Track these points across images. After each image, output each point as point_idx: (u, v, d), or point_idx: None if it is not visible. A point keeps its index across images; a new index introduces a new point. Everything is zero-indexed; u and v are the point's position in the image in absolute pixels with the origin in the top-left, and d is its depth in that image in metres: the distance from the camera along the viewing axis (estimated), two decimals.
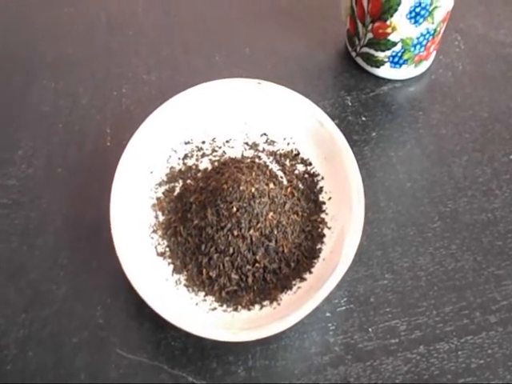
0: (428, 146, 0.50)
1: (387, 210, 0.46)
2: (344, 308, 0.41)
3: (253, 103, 0.47)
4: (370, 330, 0.40)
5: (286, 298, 0.38)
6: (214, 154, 0.46)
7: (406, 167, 0.49)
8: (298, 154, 0.46)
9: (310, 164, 0.46)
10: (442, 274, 0.43)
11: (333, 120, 0.46)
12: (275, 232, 0.40)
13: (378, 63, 0.52)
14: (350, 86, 0.53)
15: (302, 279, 0.39)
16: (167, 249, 0.40)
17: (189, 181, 0.44)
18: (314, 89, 0.52)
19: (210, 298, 0.38)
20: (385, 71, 0.53)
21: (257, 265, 0.39)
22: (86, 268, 0.42)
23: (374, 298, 0.41)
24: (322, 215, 0.43)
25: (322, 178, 0.45)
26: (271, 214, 0.40)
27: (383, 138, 0.50)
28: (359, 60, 0.54)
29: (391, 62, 0.52)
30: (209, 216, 0.39)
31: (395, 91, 0.53)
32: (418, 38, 0.49)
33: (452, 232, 0.45)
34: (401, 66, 0.52)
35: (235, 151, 0.46)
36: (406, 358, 0.39)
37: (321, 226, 0.42)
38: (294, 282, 0.39)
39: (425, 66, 0.54)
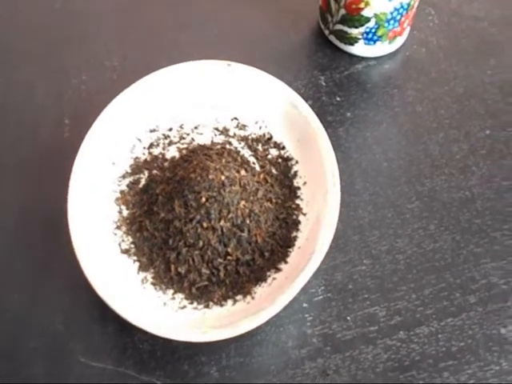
0: (404, 124, 0.47)
1: (364, 192, 0.43)
2: (321, 297, 0.38)
3: (222, 86, 0.43)
4: (348, 318, 0.37)
5: (260, 290, 0.35)
6: (182, 141, 0.42)
7: (382, 147, 0.45)
8: (271, 137, 0.43)
9: (284, 148, 0.42)
10: (420, 256, 0.40)
11: (306, 101, 0.42)
12: (247, 221, 0.36)
13: (352, 40, 0.49)
14: (323, 65, 0.50)
15: (277, 270, 0.36)
16: (132, 245, 0.37)
17: (155, 171, 0.40)
18: (286, 69, 0.49)
19: (180, 296, 0.35)
20: (359, 49, 0.49)
21: (229, 257, 0.36)
22: (42, 269, 0.38)
23: (353, 285, 0.38)
24: (297, 201, 0.39)
25: (297, 162, 0.41)
26: (243, 202, 0.36)
27: (358, 118, 0.47)
28: (332, 38, 0.50)
29: (365, 39, 0.48)
30: (176, 208, 0.36)
31: (369, 69, 0.50)
32: (391, 13, 0.46)
33: (430, 212, 0.42)
34: (375, 42, 0.48)
35: (204, 138, 0.42)
36: (386, 346, 0.36)
37: (296, 212, 0.39)
38: (268, 274, 0.36)
39: (399, 42, 0.50)
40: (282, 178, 0.41)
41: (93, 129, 0.38)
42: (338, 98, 0.48)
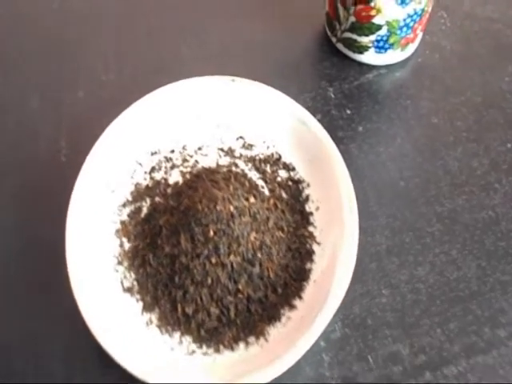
0: (419, 138, 0.44)
1: (380, 215, 0.40)
2: (339, 334, 0.35)
3: (226, 103, 0.40)
4: (369, 358, 0.34)
5: (274, 331, 0.32)
6: (185, 164, 0.39)
7: (397, 164, 0.42)
8: (280, 158, 0.39)
9: (294, 169, 0.39)
10: (443, 285, 0.37)
11: (315, 115, 0.39)
12: (259, 255, 0.33)
13: (362, 49, 0.45)
14: (331, 75, 0.47)
15: (292, 307, 0.33)
16: (135, 283, 0.34)
17: (157, 198, 0.37)
18: (292, 82, 0.45)
19: (187, 339, 0.32)
20: (369, 57, 0.46)
21: (239, 295, 0.33)
22: (35, 311, 0.35)
23: (372, 320, 0.35)
24: (310, 228, 0.36)
25: (308, 185, 0.38)
26: (253, 234, 0.33)
27: (371, 132, 0.44)
28: (340, 46, 0.47)
29: (376, 47, 0.45)
30: (182, 242, 0.33)
31: (381, 78, 0.47)
32: (404, 20, 0.43)
33: (452, 235, 0.39)
34: (386, 50, 0.45)
35: (209, 159, 0.39)
36: None
37: (309, 241, 0.36)
38: (282, 312, 0.33)
39: (411, 49, 0.47)
40: (292, 203, 0.37)
41: (91, 155, 0.35)
42: (349, 111, 0.45)
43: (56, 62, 0.47)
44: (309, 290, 0.34)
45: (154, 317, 0.33)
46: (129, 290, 0.33)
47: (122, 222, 0.36)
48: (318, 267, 0.34)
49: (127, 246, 0.35)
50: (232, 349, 0.32)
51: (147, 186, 0.37)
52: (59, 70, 0.46)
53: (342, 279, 0.31)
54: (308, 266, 0.35)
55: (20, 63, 0.47)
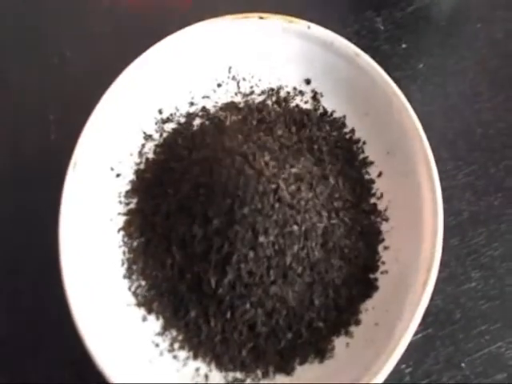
0: (497, 71, 0.35)
1: (457, 174, 0.31)
2: (420, 336, 0.27)
3: (252, 46, 0.31)
4: (462, 364, 0.26)
5: (340, 346, 0.24)
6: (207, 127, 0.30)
7: (472, 107, 0.33)
8: (326, 112, 0.31)
9: (344, 125, 0.30)
10: None
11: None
12: (314, 245, 0.25)
13: None
14: (377, 1, 0.37)
15: (360, 312, 0.25)
16: (150, 292, 0.26)
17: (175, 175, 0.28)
18: (329, 14, 0.36)
19: (225, 363, 0.24)
20: None
21: (295, 303, 0.25)
22: (31, 337, 0.27)
23: (461, 313, 0.27)
24: (372, 200, 0.28)
25: (364, 143, 0.29)
26: (309, 217, 0.25)
27: (434, 69, 0.35)
28: None
29: None
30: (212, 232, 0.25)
31: (441, 0, 0.37)
32: None
33: None
34: None
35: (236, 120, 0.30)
36: None
37: (373, 217, 0.27)
38: (350, 318, 0.25)
39: None
40: (347, 169, 0.29)
41: (87, 128, 0.27)
42: (404, 45, 0.36)
43: (35, 15, 0.37)
44: (382, 284, 0.25)
45: (176, 337, 0.25)
46: (143, 303, 0.25)
47: (130, 212, 0.27)
48: (390, 253, 0.26)
49: (136, 242, 0.27)
50: (287, 372, 0.24)
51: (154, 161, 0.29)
52: (39, 24, 0.37)
53: (428, 267, 0.23)
54: (376, 251, 0.26)
55: None
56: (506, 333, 0.27)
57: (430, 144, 0.29)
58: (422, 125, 0.30)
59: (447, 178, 0.31)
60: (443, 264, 0.28)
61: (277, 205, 0.25)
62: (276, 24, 0.31)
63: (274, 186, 0.25)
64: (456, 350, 0.27)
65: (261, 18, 0.31)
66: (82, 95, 0.32)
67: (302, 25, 0.31)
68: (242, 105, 0.31)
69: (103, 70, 0.30)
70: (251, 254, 0.24)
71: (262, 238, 0.24)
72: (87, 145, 0.26)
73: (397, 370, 0.26)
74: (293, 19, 0.31)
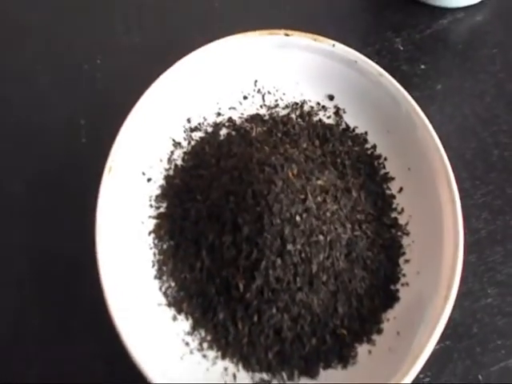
0: None
1: (474, 193, 0.32)
2: (438, 347, 0.28)
3: (277, 63, 0.32)
4: (479, 377, 0.27)
5: (362, 353, 0.25)
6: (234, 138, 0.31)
7: (488, 129, 0.35)
8: (348, 128, 0.32)
9: (366, 141, 0.31)
10: None
11: None
12: (339, 255, 0.26)
13: None
14: (397, 23, 0.38)
15: (382, 321, 0.26)
16: (180, 293, 0.27)
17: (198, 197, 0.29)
18: (351, 33, 0.37)
19: (252, 365, 0.25)
20: None
21: (320, 309, 0.26)
22: (63, 331, 0.28)
23: (478, 328, 0.28)
24: (393, 214, 0.29)
25: (386, 160, 0.31)
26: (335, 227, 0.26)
27: (452, 90, 0.36)
28: None
29: None
30: (242, 238, 0.26)
31: (458, 24, 0.38)
32: None
33: None
34: None
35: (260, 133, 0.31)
36: None
37: (393, 231, 0.29)
38: (371, 327, 0.26)
39: None
40: (368, 184, 0.30)
41: (122, 133, 0.28)
42: (423, 66, 0.37)
43: (67, 23, 0.39)
44: (403, 296, 0.26)
45: (205, 337, 0.26)
46: (173, 303, 0.26)
47: (160, 215, 0.29)
48: (410, 266, 0.27)
49: (166, 244, 0.28)
50: (311, 376, 0.25)
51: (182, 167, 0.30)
52: (73, 32, 0.38)
53: (449, 283, 0.24)
54: (397, 263, 0.27)
55: (24, 24, 0.39)
56: None
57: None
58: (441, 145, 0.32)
59: (465, 197, 0.32)
60: (461, 280, 0.29)
61: (304, 215, 0.26)
62: (301, 41, 0.32)
63: (302, 197, 0.26)
64: (473, 362, 0.27)
65: (286, 34, 0.32)
66: (111, 101, 0.33)
67: (326, 43, 0.32)
68: (266, 117, 0.32)
69: (131, 79, 0.31)
70: (279, 261, 0.25)
71: (289, 246, 0.25)
72: (121, 150, 0.27)
73: (416, 380, 0.27)
74: (317, 37, 0.32)
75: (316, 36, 0.32)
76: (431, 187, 0.27)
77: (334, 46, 0.32)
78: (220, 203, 0.26)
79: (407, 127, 0.29)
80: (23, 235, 0.31)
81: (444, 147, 0.32)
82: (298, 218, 0.25)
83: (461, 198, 0.29)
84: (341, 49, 0.31)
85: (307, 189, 0.26)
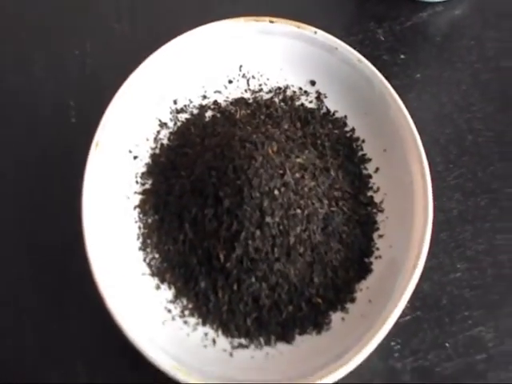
0: (488, 84, 0.37)
1: (447, 176, 0.34)
2: (409, 318, 0.29)
3: (261, 49, 0.34)
4: (447, 344, 0.29)
5: (336, 320, 0.27)
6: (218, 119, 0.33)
7: (463, 116, 0.36)
8: (328, 112, 0.34)
9: (345, 124, 0.33)
10: None
11: None
12: (315, 228, 0.28)
13: None
14: (379, 15, 0.40)
15: (355, 291, 0.28)
16: (164, 264, 0.28)
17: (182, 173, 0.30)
18: (335, 23, 0.39)
19: (231, 331, 0.27)
20: None
21: (295, 278, 0.27)
22: (57, 307, 0.30)
23: (447, 299, 0.30)
24: (369, 193, 0.31)
25: (363, 142, 0.32)
26: (313, 202, 0.28)
27: (430, 79, 0.38)
28: None
29: None
30: (223, 210, 0.27)
31: (437, 17, 0.40)
32: None
33: None
34: None
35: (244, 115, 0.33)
36: (500, 380, 0.28)
37: (369, 208, 0.30)
38: (345, 296, 0.28)
39: None
40: (347, 164, 0.32)
41: (109, 112, 0.29)
42: (403, 56, 0.39)
43: (59, 10, 0.40)
44: (376, 267, 0.28)
45: (187, 305, 0.27)
46: (156, 273, 0.28)
47: (145, 191, 0.30)
48: (384, 241, 0.29)
49: (150, 219, 0.29)
50: (287, 341, 0.27)
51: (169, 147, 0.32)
52: (63, 18, 0.40)
53: (417, 253, 0.26)
54: (372, 238, 0.29)
55: (16, 11, 0.40)
56: (486, 319, 0.30)
57: (424, 148, 0.33)
58: (418, 130, 0.33)
59: (439, 179, 0.34)
60: (432, 255, 0.31)
61: (282, 189, 0.27)
62: (285, 28, 0.34)
63: (281, 172, 0.28)
64: (441, 331, 0.29)
65: (271, 21, 0.34)
66: (100, 85, 0.35)
67: (309, 30, 0.34)
68: (251, 101, 0.34)
69: (121, 64, 0.33)
70: (258, 233, 0.27)
71: (268, 219, 0.27)
72: (108, 126, 0.29)
73: (387, 347, 0.29)
74: (301, 24, 0.34)
75: (299, 23, 0.34)
76: (404, 165, 0.29)
77: (315, 32, 0.33)
78: (203, 178, 0.28)
79: (382, 108, 0.31)
80: (13, 213, 0.32)
81: (420, 133, 0.33)
82: (276, 192, 0.27)
83: (434, 180, 0.31)
84: (322, 35, 0.33)
85: (286, 165, 0.28)
